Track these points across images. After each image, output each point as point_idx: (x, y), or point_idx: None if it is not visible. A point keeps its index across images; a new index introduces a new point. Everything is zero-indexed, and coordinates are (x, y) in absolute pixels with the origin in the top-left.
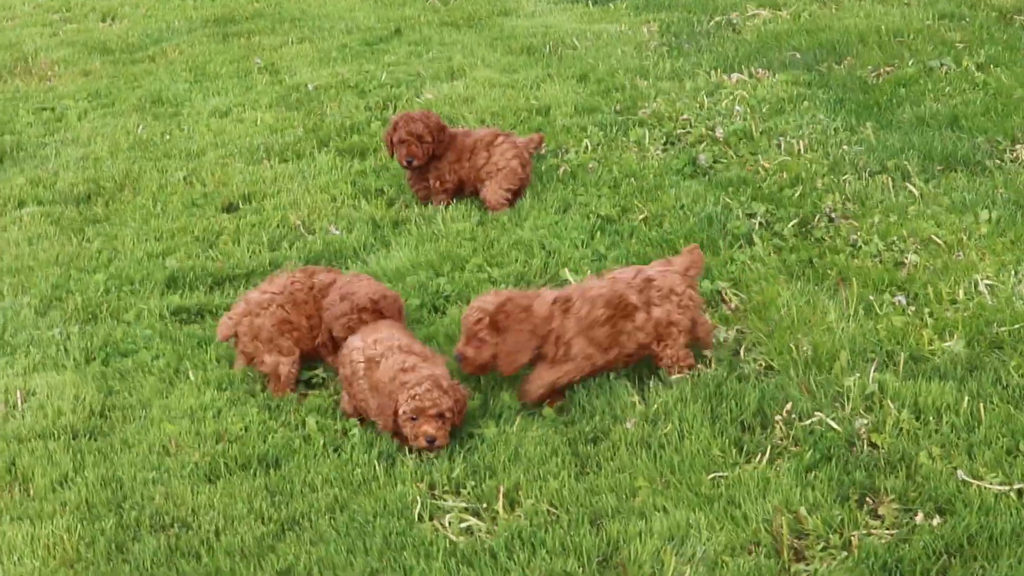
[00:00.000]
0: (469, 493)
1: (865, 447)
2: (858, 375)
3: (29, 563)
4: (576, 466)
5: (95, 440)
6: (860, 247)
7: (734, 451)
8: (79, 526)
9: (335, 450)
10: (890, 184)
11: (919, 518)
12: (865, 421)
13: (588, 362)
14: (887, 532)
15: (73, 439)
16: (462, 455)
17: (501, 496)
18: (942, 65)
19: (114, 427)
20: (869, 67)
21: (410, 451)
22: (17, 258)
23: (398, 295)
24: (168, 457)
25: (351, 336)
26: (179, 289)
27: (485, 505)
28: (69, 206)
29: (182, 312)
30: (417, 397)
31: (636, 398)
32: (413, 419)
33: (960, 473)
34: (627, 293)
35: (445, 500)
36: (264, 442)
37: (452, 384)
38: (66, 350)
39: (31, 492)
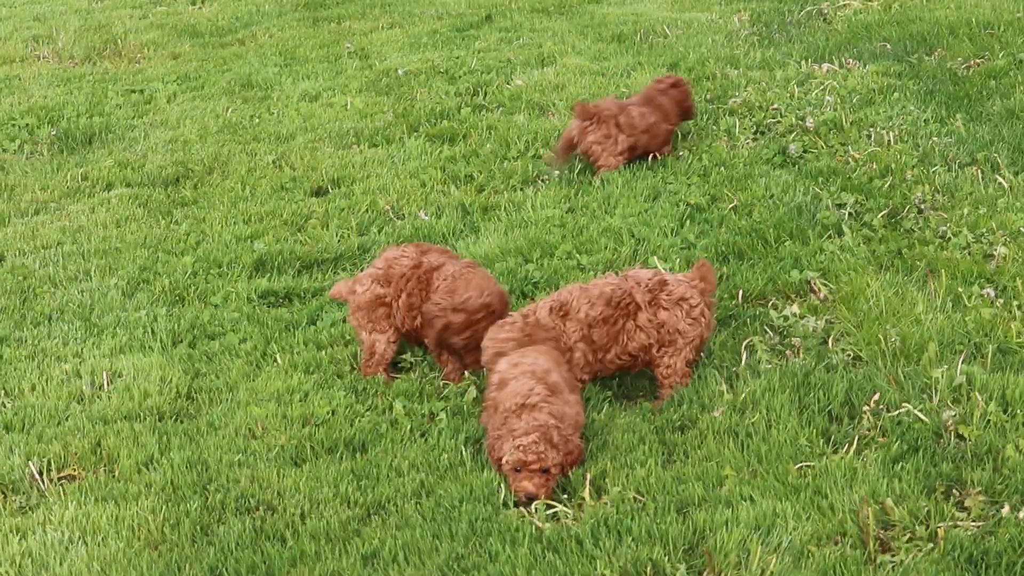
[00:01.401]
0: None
1: (952, 439)
2: (946, 367)
3: (113, 544)
4: (663, 454)
5: (181, 422)
6: (949, 239)
7: (821, 441)
8: (164, 507)
9: (422, 435)
10: (979, 176)
11: (1006, 510)
12: (952, 413)
13: (589, 369)
14: (973, 524)
15: (159, 421)
16: None
17: (588, 483)
18: None
19: (200, 409)
20: (959, 59)
21: None
22: (105, 240)
23: (503, 292)
24: (254, 440)
25: (500, 360)
26: (267, 272)
27: (571, 492)
28: (157, 188)
29: (270, 295)
30: (522, 448)
31: (724, 387)
32: (516, 471)
33: None
34: (634, 291)
35: None
36: (351, 426)
37: (565, 435)
38: (153, 332)
39: (116, 473)
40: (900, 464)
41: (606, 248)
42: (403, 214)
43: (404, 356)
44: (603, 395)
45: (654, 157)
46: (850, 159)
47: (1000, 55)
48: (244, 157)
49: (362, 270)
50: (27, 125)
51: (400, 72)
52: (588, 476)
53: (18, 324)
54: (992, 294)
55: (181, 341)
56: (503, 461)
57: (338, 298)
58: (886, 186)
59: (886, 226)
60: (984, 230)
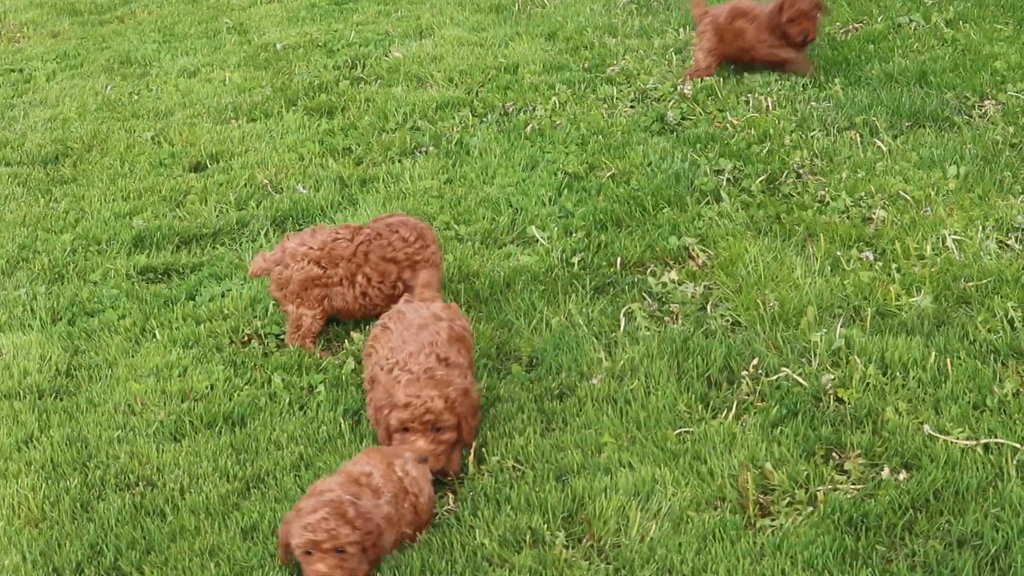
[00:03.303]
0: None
1: (832, 402)
2: (825, 331)
3: None
4: (542, 423)
5: (61, 400)
6: (828, 203)
7: (700, 407)
8: (44, 485)
9: (300, 408)
10: (858, 140)
11: (885, 473)
12: (832, 376)
13: None
14: (853, 487)
15: (39, 399)
16: None
17: (471, 454)
18: (911, 21)
19: (80, 386)
20: (838, 23)
21: None
22: None
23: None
24: (134, 416)
25: None
26: (146, 249)
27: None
28: (36, 167)
29: (149, 271)
30: (310, 528)
31: (602, 354)
32: (308, 553)
33: (927, 428)
34: None
35: None
36: (230, 400)
37: (362, 512)
38: (32, 310)
39: None
40: (779, 428)
41: (484, 218)
42: (281, 188)
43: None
44: (481, 362)
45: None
46: (728, 125)
47: (879, 19)
48: (123, 134)
49: (264, 246)
50: None
51: (279, 46)
52: (472, 445)
53: None
54: (871, 257)
55: (60, 319)
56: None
57: (260, 275)
58: (764, 151)
59: (764, 191)
60: (863, 194)
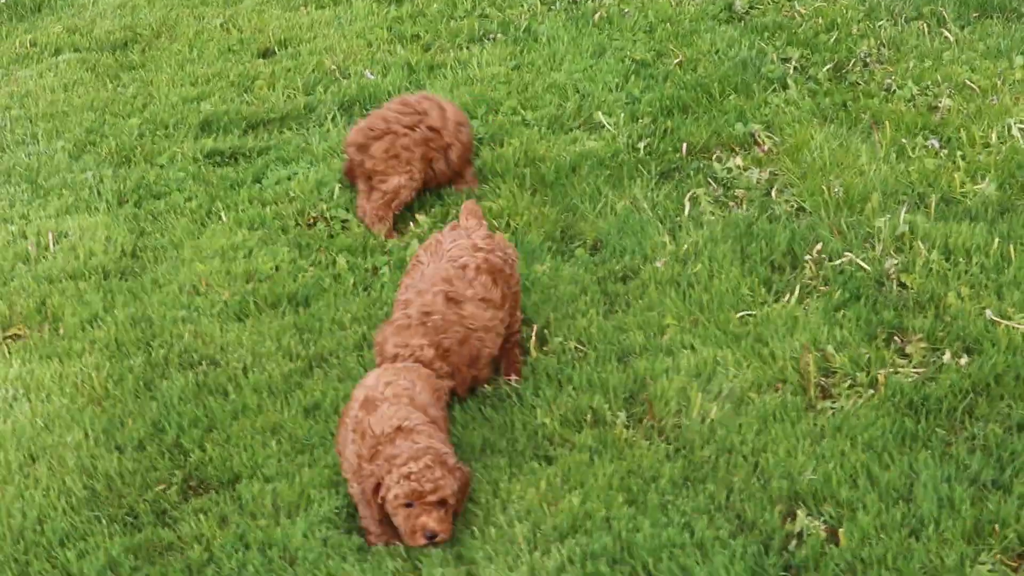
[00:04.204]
0: None
1: (894, 287)
2: (889, 216)
3: (57, 400)
4: (605, 305)
5: (126, 280)
6: (894, 91)
7: (763, 290)
8: (108, 364)
9: (364, 289)
10: (925, 30)
11: (947, 357)
12: (895, 262)
13: None
14: (914, 371)
15: (104, 279)
16: None
17: (534, 334)
18: None
19: (145, 268)
20: None
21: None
22: (52, 104)
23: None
24: (198, 296)
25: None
26: (213, 133)
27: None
28: (105, 53)
29: (216, 155)
30: (413, 477)
31: (666, 238)
32: (408, 505)
33: (988, 313)
34: None
35: None
36: (294, 281)
37: (456, 464)
38: (99, 193)
39: (61, 331)
40: (842, 312)
41: (551, 104)
42: (349, 73)
43: (348, 217)
44: (545, 246)
45: None
46: (796, 14)
47: None
48: (192, 20)
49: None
50: None
51: None
52: (535, 328)
53: None
54: (936, 145)
55: (127, 201)
56: (388, 497)
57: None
58: (832, 40)
59: (831, 79)
60: (929, 83)
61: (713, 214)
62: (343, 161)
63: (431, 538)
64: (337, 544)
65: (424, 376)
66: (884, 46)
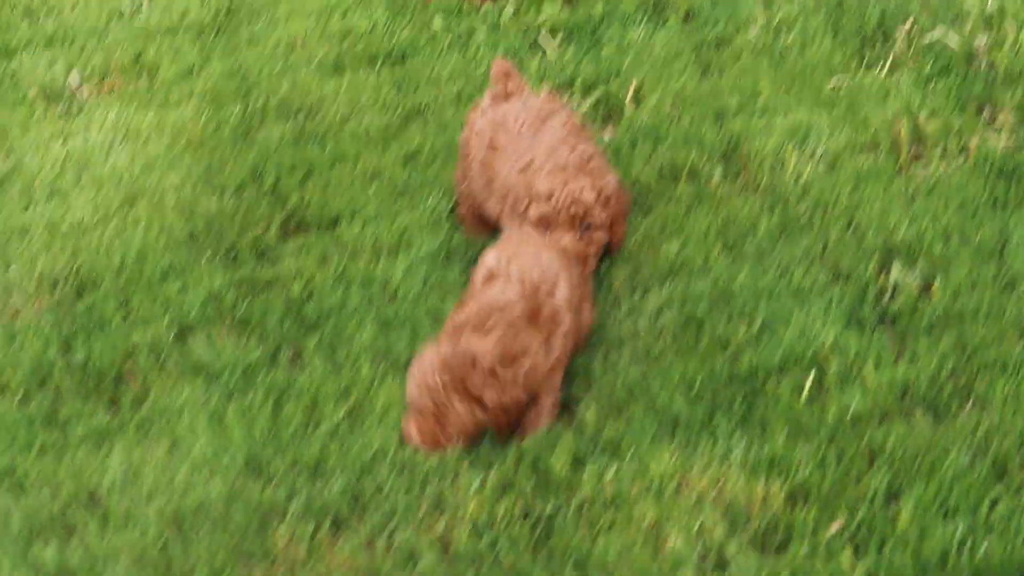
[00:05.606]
0: (601, 91)
1: (984, 63)
2: None
3: (156, 146)
4: (699, 69)
5: (221, 36)
6: None
7: (855, 62)
8: (205, 113)
9: (460, 49)
10: None
11: None
12: (985, 39)
13: None
14: (1004, 140)
15: (199, 35)
16: (590, 55)
17: (631, 91)
18: None
19: (240, 24)
20: None
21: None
22: None
23: None
24: (294, 52)
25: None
26: None
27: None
28: None
29: None
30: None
31: (759, 8)
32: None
33: None
34: None
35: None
36: (390, 39)
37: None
38: None
39: (157, 82)
40: (933, 83)
41: None
42: None
43: None
44: (638, 15)
45: None
46: None
47: None
48: None
49: None
50: None
51: None
52: (632, 86)
53: None
54: None
55: None
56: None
57: None
58: None
59: None
60: None
61: None
62: None
63: None
64: (438, 282)
65: None
66: None
